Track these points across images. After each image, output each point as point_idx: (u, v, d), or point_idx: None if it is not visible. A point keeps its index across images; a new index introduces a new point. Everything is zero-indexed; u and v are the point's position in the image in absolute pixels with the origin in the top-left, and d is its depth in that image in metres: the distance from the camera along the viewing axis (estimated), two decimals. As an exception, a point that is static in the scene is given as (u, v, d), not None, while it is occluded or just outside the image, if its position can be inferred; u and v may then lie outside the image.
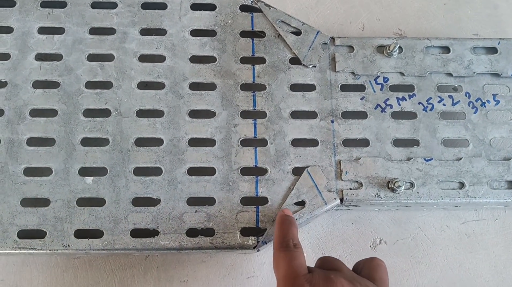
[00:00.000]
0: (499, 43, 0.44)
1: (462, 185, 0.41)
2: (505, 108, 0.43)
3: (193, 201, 0.39)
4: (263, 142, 0.41)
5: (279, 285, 0.32)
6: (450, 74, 0.43)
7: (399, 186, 0.39)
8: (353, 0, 0.50)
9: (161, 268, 0.42)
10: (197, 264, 0.42)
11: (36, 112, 0.40)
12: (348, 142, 0.41)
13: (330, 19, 0.49)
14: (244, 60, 0.42)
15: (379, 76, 0.43)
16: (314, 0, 0.50)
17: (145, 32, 0.42)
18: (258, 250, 0.39)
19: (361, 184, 0.40)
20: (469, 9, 0.50)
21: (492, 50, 0.44)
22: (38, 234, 0.38)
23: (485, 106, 0.43)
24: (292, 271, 0.32)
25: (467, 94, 0.43)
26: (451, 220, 0.45)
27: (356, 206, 0.41)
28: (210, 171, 0.40)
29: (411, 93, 0.43)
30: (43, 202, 0.38)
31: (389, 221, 0.45)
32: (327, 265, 0.34)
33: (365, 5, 0.50)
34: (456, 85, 0.43)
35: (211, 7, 0.43)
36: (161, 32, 0.43)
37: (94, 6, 0.43)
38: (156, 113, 0.41)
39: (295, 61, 0.43)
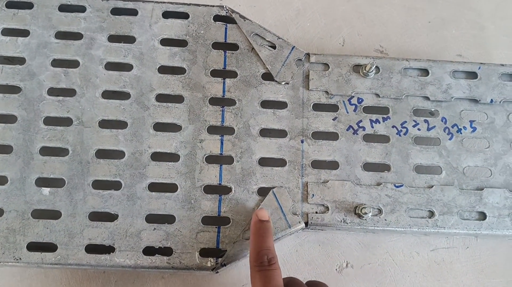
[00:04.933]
0: (479, 68, 0.42)
1: (431, 213, 0.39)
2: (481, 136, 0.42)
3: (152, 218, 0.38)
4: (229, 160, 0.39)
5: None
6: (427, 98, 0.42)
7: (366, 213, 0.38)
8: (335, 14, 0.48)
9: (119, 282, 0.41)
10: (156, 280, 0.41)
11: (-6, 118, 0.39)
12: (317, 164, 0.40)
13: (310, 32, 0.48)
14: (214, 73, 0.41)
15: (353, 96, 0.41)
16: (294, 12, 0.48)
17: (113, 39, 0.41)
18: (217, 272, 0.37)
19: (327, 208, 0.39)
20: (454, 29, 0.49)
21: (472, 75, 0.43)
22: (-11, 245, 0.36)
23: (461, 133, 0.42)
24: None
25: (444, 120, 0.42)
26: (421, 247, 0.44)
27: (321, 229, 0.40)
28: (171, 187, 0.38)
29: (385, 116, 0.41)
30: (-4, 212, 0.37)
31: (357, 245, 0.43)
32: None
33: (347, 20, 0.48)
34: (432, 109, 0.42)
35: (184, 16, 0.42)
36: (130, 39, 0.41)
37: (61, 9, 0.41)
38: (119, 125, 0.39)
39: (267, 77, 0.41)
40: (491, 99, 0.42)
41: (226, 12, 0.42)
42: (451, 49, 0.48)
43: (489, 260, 0.44)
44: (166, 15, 0.42)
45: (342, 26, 0.48)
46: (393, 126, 0.41)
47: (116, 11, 0.41)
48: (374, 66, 0.41)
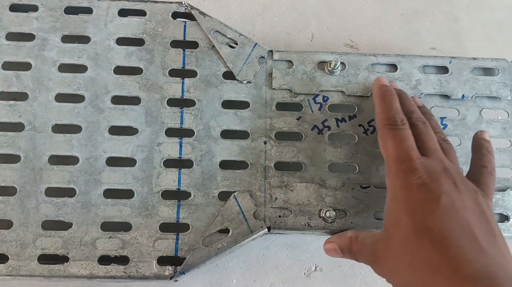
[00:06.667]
0: (450, 62, 0.41)
1: (399, 215, 0.38)
2: (453, 133, 0.40)
3: (108, 226, 0.37)
4: (188, 164, 0.38)
5: (389, 166, 0.32)
6: (395, 95, 0.40)
7: (330, 216, 0.37)
8: (303, 8, 0.47)
9: (80, 291, 0.40)
10: (118, 288, 0.40)
11: None
12: (281, 166, 0.39)
13: (277, 27, 0.46)
14: (173, 73, 0.39)
15: (318, 95, 0.40)
16: (261, 6, 0.46)
17: (67, 39, 0.39)
18: (176, 280, 0.36)
19: (291, 211, 0.37)
20: (427, 21, 0.47)
21: (443, 69, 0.41)
22: None
23: (431, 131, 0.40)
24: (403, 153, 0.31)
25: (413, 117, 0.40)
26: (393, 248, 0.42)
27: (285, 234, 0.39)
28: (128, 194, 0.37)
29: (351, 115, 0.40)
30: None
31: (326, 247, 0.42)
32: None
33: (316, 13, 0.47)
34: (401, 106, 0.40)
35: (141, 13, 0.40)
36: (84, 39, 0.39)
37: (13, 8, 0.39)
38: (73, 129, 0.38)
39: (229, 75, 0.40)
40: (463, 95, 0.40)
41: (185, 9, 0.40)
42: (424, 42, 0.47)
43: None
44: (122, 13, 0.40)
45: (310, 20, 0.46)
46: (359, 125, 0.40)
47: (70, 10, 0.40)
48: (339, 62, 0.39)
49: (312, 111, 0.40)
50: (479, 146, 0.37)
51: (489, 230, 0.29)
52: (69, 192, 0.37)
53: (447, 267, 0.27)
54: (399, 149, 0.32)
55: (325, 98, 0.40)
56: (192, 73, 0.39)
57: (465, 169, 0.39)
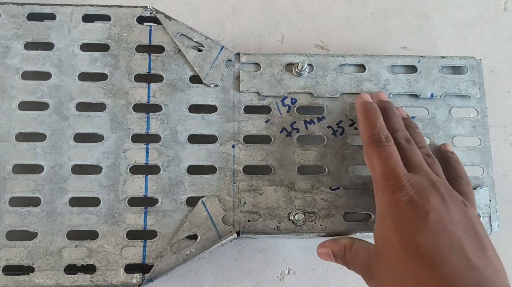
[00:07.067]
0: (419, 61, 0.41)
1: (369, 216, 0.38)
2: (422, 133, 0.40)
3: (74, 235, 0.36)
4: (155, 170, 0.38)
5: (376, 182, 0.32)
6: (364, 95, 0.40)
7: (299, 219, 0.37)
8: (273, 9, 0.46)
9: (50, 301, 0.39)
10: (89, 297, 0.39)
11: None
12: (249, 170, 0.38)
13: (246, 29, 0.46)
14: (138, 78, 0.39)
15: (286, 97, 0.40)
16: (230, 9, 0.46)
17: (30, 46, 0.39)
18: (144, 288, 0.36)
19: (260, 215, 0.37)
20: (398, 20, 0.47)
21: (412, 69, 0.41)
22: None
23: (400, 131, 0.40)
24: (389, 170, 0.31)
25: (382, 117, 0.40)
26: (366, 249, 0.42)
27: (255, 238, 0.38)
28: (94, 202, 0.37)
29: (320, 116, 0.39)
30: None
31: (299, 250, 0.42)
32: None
33: (286, 15, 0.46)
34: (370, 107, 0.40)
35: (105, 18, 0.40)
36: (48, 46, 0.39)
37: (-26, 16, 0.39)
38: (37, 137, 0.37)
39: (195, 79, 0.39)
40: (432, 94, 0.40)
41: (150, 13, 0.40)
42: (395, 42, 0.47)
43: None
44: (86, 18, 0.39)
45: (280, 22, 0.46)
46: (328, 127, 0.39)
47: (32, 17, 0.39)
48: (306, 64, 0.39)
49: (281, 114, 0.39)
50: (447, 158, 0.37)
51: (479, 244, 0.29)
52: (34, 201, 0.36)
53: (437, 285, 0.27)
54: (385, 166, 0.32)
55: (293, 101, 0.39)
56: (158, 78, 0.39)
57: (435, 168, 0.39)
